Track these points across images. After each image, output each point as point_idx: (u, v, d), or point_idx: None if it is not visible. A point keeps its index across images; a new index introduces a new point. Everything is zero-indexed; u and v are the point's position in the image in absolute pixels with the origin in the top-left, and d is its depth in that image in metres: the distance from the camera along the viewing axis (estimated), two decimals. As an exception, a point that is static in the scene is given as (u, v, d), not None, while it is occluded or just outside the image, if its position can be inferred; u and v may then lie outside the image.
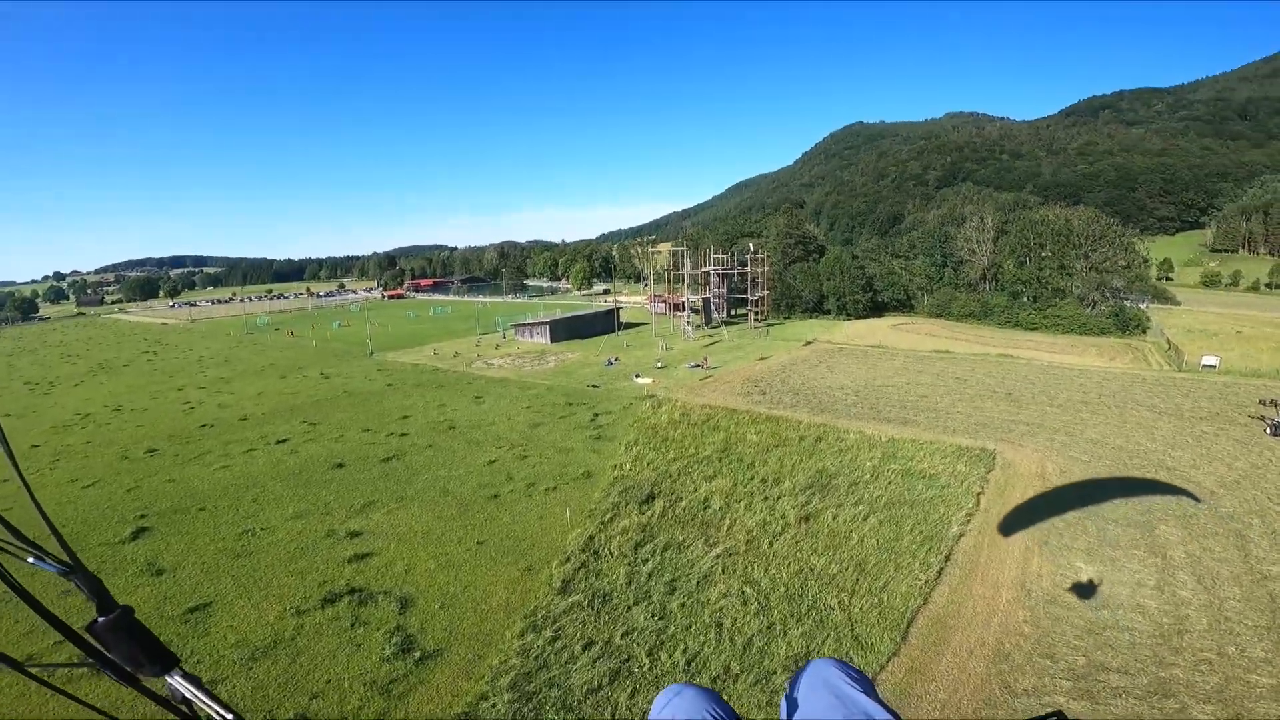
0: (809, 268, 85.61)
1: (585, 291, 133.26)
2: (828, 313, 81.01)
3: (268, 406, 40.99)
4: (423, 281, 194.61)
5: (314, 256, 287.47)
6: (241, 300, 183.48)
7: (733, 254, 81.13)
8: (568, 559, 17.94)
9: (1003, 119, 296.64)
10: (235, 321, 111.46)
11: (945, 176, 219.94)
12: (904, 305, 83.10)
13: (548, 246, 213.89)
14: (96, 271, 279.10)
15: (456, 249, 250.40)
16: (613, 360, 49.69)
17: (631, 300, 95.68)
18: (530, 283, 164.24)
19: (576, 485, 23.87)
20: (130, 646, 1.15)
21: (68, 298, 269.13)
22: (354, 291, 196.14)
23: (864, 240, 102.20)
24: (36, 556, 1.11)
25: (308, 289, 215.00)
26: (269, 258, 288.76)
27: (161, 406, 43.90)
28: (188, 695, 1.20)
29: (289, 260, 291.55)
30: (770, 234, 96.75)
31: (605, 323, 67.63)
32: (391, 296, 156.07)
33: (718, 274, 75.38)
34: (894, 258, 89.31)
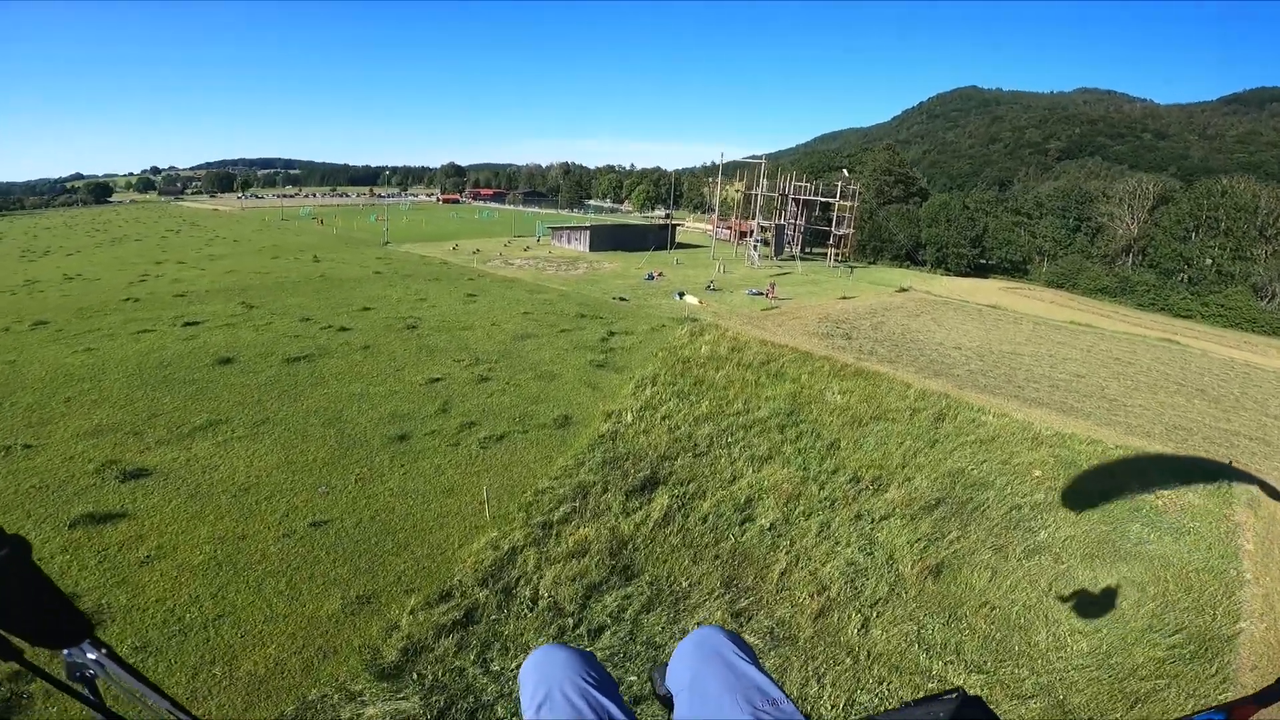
0: (907, 210, 71.86)
1: (646, 214, 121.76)
2: (922, 264, 67.91)
3: (224, 284, 33.44)
4: (483, 191, 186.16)
5: (390, 164, 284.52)
6: (306, 196, 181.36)
7: (817, 185, 68.07)
8: (440, 598, 8.73)
9: (1145, 100, 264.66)
10: (286, 210, 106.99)
11: (1070, 148, 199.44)
12: (1016, 269, 68.87)
13: (614, 170, 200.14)
14: (192, 168, 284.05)
15: (523, 166, 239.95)
16: (655, 275, 39.64)
17: (694, 226, 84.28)
18: (591, 202, 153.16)
19: (538, 438, 14.62)
20: (21, 602, 0.78)
21: (155, 188, 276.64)
22: (414, 195, 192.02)
23: (974, 193, 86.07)
24: None
25: (370, 190, 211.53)
26: (349, 163, 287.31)
27: (117, 278, 37.06)
28: (91, 672, 0.89)
29: (366, 166, 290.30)
30: (865, 170, 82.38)
31: (656, 237, 57.06)
32: (446, 200, 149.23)
33: (797, 201, 62.98)
34: (1014, 214, 74.31)
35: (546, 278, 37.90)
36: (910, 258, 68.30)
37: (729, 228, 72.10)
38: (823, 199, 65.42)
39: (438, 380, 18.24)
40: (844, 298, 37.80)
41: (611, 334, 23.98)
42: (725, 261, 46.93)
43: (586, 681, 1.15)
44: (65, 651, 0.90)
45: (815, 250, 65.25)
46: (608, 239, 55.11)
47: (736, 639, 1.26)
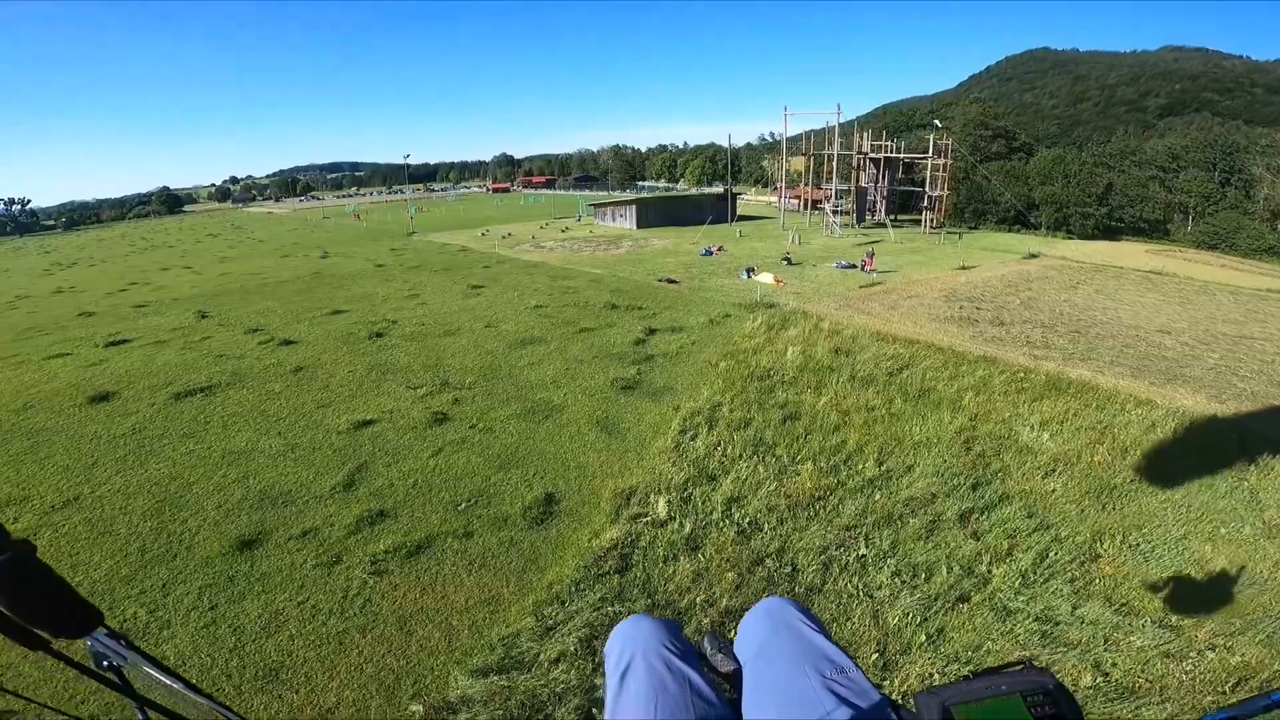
0: (1013, 167, 60.53)
1: (704, 190, 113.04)
2: (1036, 226, 56.86)
3: (204, 290, 28.34)
4: (534, 178, 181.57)
5: (448, 160, 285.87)
6: (364, 195, 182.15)
7: (897, 144, 57.65)
8: None
9: (1241, 57, 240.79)
10: (333, 210, 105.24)
11: (1172, 105, 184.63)
12: (1153, 229, 56.65)
13: (667, 149, 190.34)
14: (267, 176, 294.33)
15: (574, 153, 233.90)
16: (714, 250, 31.85)
17: (756, 198, 75.09)
18: (645, 183, 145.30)
19: (485, 550, 7.65)
20: (34, 598, 0.89)
21: (230, 197, 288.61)
22: (466, 187, 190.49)
23: (1091, 147, 72.07)
24: None
25: (425, 186, 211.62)
26: (410, 163, 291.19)
27: (102, 289, 32.87)
28: (115, 660, 0.98)
29: (424, 164, 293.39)
30: (955, 124, 70.92)
31: (714, 209, 48.90)
32: (495, 190, 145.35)
33: (877, 162, 53.25)
34: (1149, 166, 61.57)
35: (579, 260, 30.84)
36: (1021, 220, 57.23)
37: (797, 196, 63.13)
38: (909, 156, 55.40)
39: (367, 425, 11.47)
40: (964, 267, 28.89)
41: (651, 332, 16.59)
42: (799, 231, 38.40)
43: (670, 650, 1.13)
44: (88, 642, 0.94)
45: (902, 217, 55.42)
46: (658, 214, 47.54)
47: (805, 609, 1.25)
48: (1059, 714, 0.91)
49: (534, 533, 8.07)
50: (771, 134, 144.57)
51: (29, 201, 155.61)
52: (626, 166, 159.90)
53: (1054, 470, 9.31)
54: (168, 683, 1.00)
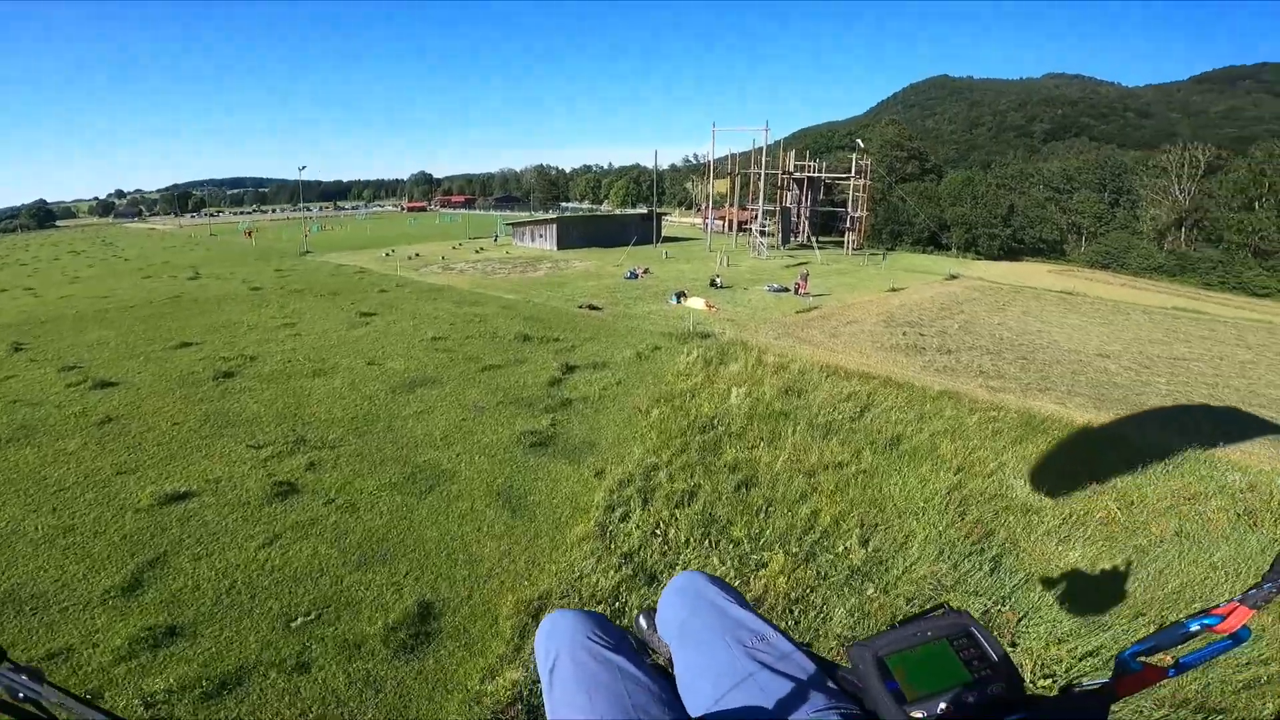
0: (926, 188, 62.83)
1: (628, 211, 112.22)
2: (945, 248, 58.94)
3: (35, 315, 23.42)
4: (453, 198, 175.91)
5: (363, 178, 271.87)
6: (266, 211, 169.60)
7: (817, 164, 58.29)
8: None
9: (1114, 83, 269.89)
10: (223, 227, 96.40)
11: (1055, 130, 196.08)
12: (1050, 250, 60.07)
13: (591, 170, 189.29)
14: (159, 190, 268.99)
15: (496, 173, 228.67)
16: (639, 272, 29.78)
17: (681, 220, 74.39)
18: (568, 204, 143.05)
19: (334, 712, 4.91)
20: None
21: (113, 210, 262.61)
22: (380, 205, 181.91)
23: (994, 168, 76.19)
24: None
25: (334, 204, 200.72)
26: (320, 179, 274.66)
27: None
28: (28, 693, 0.95)
29: (337, 181, 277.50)
30: (872, 146, 73.29)
31: (638, 230, 47.16)
32: (410, 209, 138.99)
33: (800, 182, 53.52)
34: (1045, 188, 65.62)
35: (492, 283, 27.96)
36: (934, 241, 59.10)
37: (722, 217, 62.82)
38: (832, 176, 56.13)
39: (180, 499, 8.38)
40: (894, 289, 28.23)
41: (570, 370, 14.08)
42: (726, 253, 37.15)
43: (596, 641, 1.12)
44: None
45: (824, 238, 55.88)
46: (579, 234, 45.25)
47: (718, 580, 1.24)
48: (982, 653, 0.95)
49: (401, 664, 5.46)
50: (696, 156, 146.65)
51: None
52: (550, 187, 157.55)
53: (1068, 537, 7.52)
54: (86, 712, 0.94)
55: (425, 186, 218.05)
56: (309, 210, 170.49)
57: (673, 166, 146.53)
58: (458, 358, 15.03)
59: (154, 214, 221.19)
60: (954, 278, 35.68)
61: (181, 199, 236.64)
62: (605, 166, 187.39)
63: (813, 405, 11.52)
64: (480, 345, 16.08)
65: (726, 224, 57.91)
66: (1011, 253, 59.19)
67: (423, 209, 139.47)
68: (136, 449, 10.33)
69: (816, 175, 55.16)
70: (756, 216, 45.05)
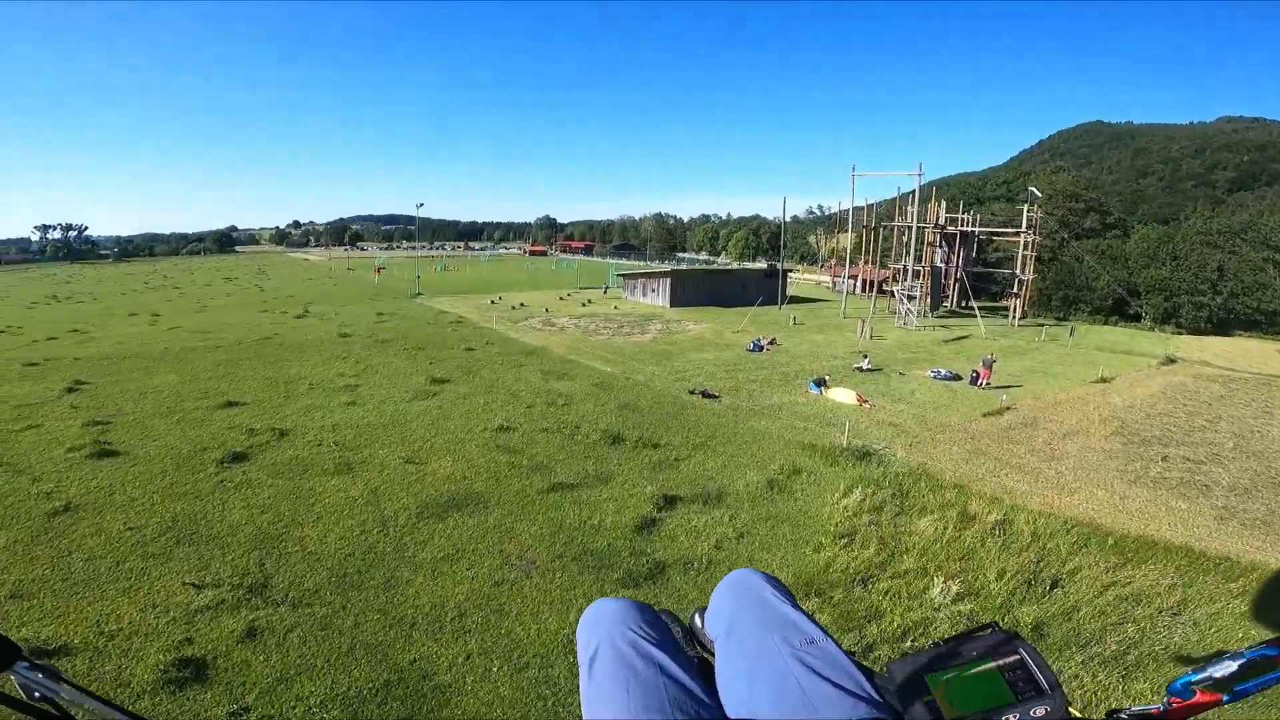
0: (1109, 246, 53.22)
1: (746, 265, 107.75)
2: (1134, 318, 49.02)
3: (124, 350, 22.95)
4: (574, 244, 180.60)
5: (496, 220, 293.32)
6: (409, 248, 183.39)
7: (969, 216, 50.67)
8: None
9: None
10: (361, 262, 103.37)
11: (1241, 179, 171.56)
12: (1268, 323, 47.79)
13: (710, 220, 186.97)
14: (328, 223, 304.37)
15: (616, 220, 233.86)
16: (764, 344, 24.95)
17: (805, 277, 68.48)
18: (685, 254, 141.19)
19: None
20: None
21: (286, 239, 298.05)
22: (507, 248, 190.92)
23: (1194, 221, 63.46)
24: None
25: (466, 244, 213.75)
26: (458, 219, 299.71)
27: (29, 335, 28.01)
28: (45, 692, 0.96)
29: (472, 222, 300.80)
30: (1042, 193, 64.41)
31: (763, 288, 42.46)
32: (532, 252, 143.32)
33: (950, 238, 46.63)
34: (1261, 245, 53.55)
35: (591, 346, 24.38)
36: (1118, 310, 49.39)
37: (854, 276, 56.86)
38: (992, 230, 48.87)
39: (45, 657, 4.65)
40: (1103, 380, 21.39)
41: (669, 504, 9.64)
42: (866, 321, 31.39)
43: (637, 633, 1.10)
44: (13, 677, 0.93)
45: (976, 304, 48.29)
46: (696, 290, 41.33)
47: (773, 579, 1.23)
48: (1029, 675, 0.90)
49: None
50: (820, 207, 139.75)
51: (85, 229, 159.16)
52: (667, 236, 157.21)
53: None
54: (103, 709, 0.94)
55: (548, 231, 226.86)
56: (441, 249, 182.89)
57: (795, 218, 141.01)
58: (521, 464, 11.08)
59: (319, 244, 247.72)
60: (1172, 361, 27.74)
61: (340, 232, 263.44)
62: (724, 217, 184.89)
63: (1079, 613, 6.28)
64: (555, 446, 12.06)
65: (862, 284, 51.90)
66: (1220, 325, 48.09)
67: (543, 253, 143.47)
68: (59, 562, 7.48)
69: (970, 230, 48.04)
70: (902, 277, 38.79)
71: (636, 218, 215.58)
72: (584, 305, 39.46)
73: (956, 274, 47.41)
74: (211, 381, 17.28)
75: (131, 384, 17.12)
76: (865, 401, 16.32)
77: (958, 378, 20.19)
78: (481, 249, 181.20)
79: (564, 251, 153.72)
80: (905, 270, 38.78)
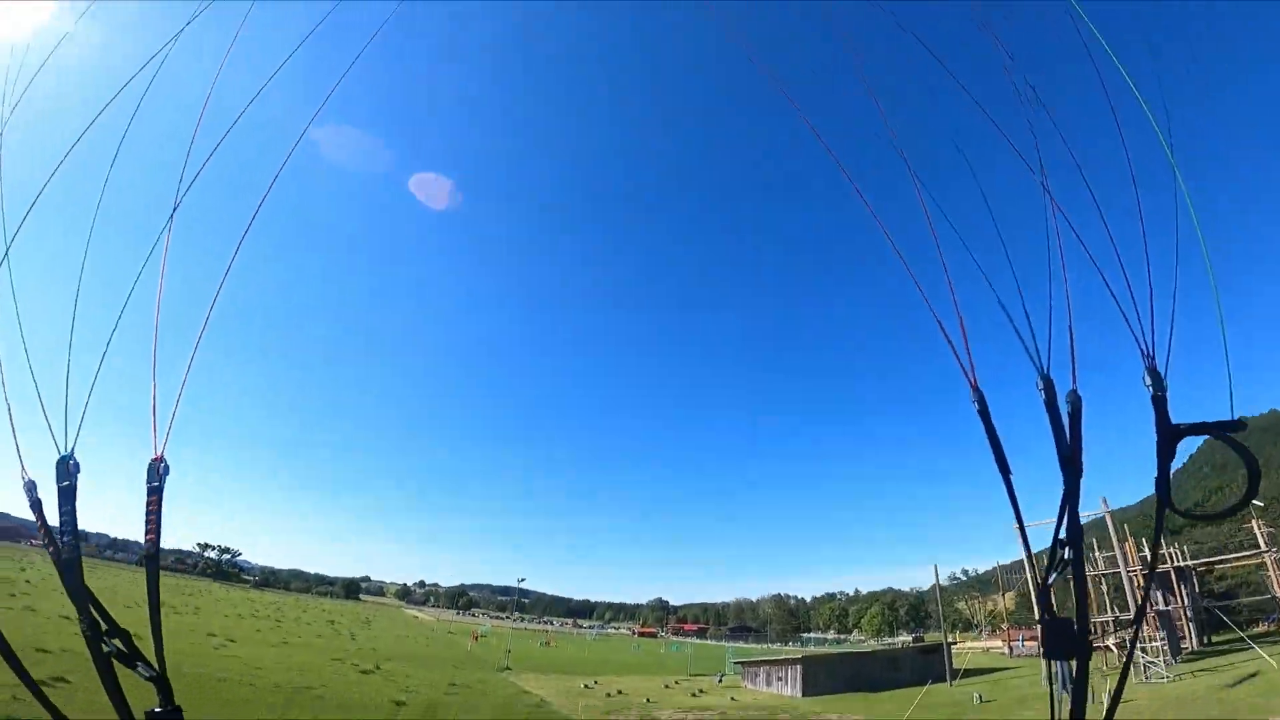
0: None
1: (885, 641, 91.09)
2: None
3: (171, 664, 19.92)
4: (686, 625, 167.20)
5: (607, 599, 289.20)
6: (518, 620, 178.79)
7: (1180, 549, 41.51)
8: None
9: None
10: (464, 626, 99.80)
11: None
12: None
13: (836, 598, 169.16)
14: (449, 586, 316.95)
15: (731, 602, 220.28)
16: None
17: (969, 646, 55.35)
18: (809, 635, 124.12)
19: None
20: None
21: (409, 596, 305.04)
22: (616, 628, 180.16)
23: None
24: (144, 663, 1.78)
25: (574, 621, 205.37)
26: (570, 596, 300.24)
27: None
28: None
29: (585, 600, 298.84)
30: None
31: (918, 665, 33.25)
32: (642, 634, 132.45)
33: (1165, 574, 37.23)
34: None
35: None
36: None
37: (1034, 637, 46.21)
38: (1207, 561, 39.38)
39: None
40: None
41: None
42: (1099, 684, 22.20)
43: None
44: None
45: (1218, 639, 36.46)
46: (831, 673, 33.04)
47: None
48: None
49: None
50: (965, 571, 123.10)
51: (239, 554, 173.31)
52: (789, 617, 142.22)
53: None
54: None
55: (659, 612, 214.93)
56: (550, 624, 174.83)
57: (934, 585, 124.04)
58: None
59: (436, 605, 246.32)
60: None
61: (456, 596, 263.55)
62: (850, 593, 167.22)
63: None
64: None
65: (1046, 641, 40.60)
66: None
67: (652, 635, 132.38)
68: None
69: (1185, 565, 38.54)
70: (1146, 615, 29.14)
71: (754, 599, 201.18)
72: (694, 696, 32.19)
73: (1187, 613, 36.68)
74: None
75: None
76: None
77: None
78: (590, 627, 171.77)
79: (675, 633, 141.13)
80: (1147, 604, 29.69)
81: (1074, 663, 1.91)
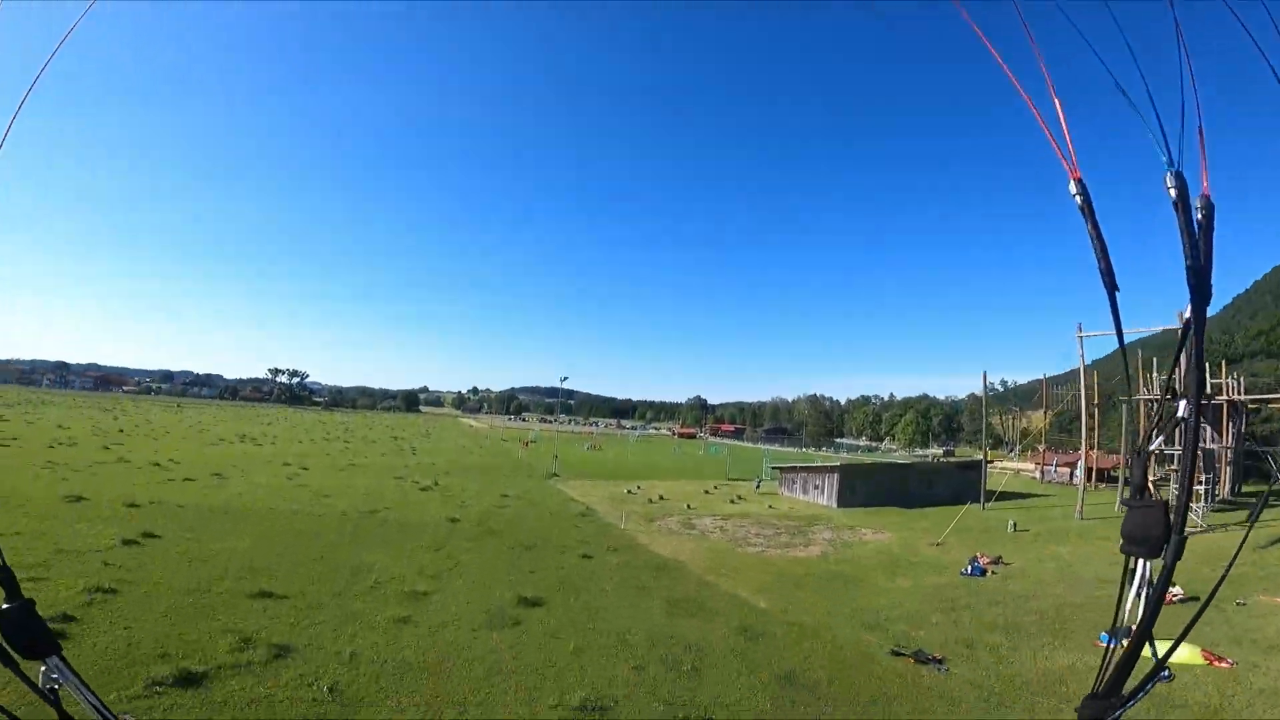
0: None
1: (915, 453, 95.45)
2: None
3: (238, 502, 22.47)
4: (723, 426, 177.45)
5: (648, 399, 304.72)
6: (564, 422, 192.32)
7: (1236, 381, 39.33)
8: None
9: None
10: (516, 432, 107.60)
11: None
12: None
13: (870, 402, 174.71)
14: (502, 390, 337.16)
15: (768, 402, 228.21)
16: (983, 564, 17.58)
17: (1003, 466, 56.74)
18: (843, 440, 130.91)
19: None
20: (20, 633, 1.22)
21: (464, 404, 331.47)
22: (656, 428, 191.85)
23: None
24: None
25: (618, 422, 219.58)
26: (613, 396, 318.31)
27: (199, 466, 28.68)
28: (56, 684, 1.21)
29: (627, 400, 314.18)
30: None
31: (955, 482, 34.25)
32: (681, 434, 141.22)
33: (1219, 408, 35.86)
34: None
35: (741, 561, 18.74)
36: None
37: (1068, 464, 46.77)
38: (1261, 398, 37.89)
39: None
40: None
41: None
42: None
43: None
44: (41, 668, 1.15)
45: (1237, 491, 36.35)
46: (867, 486, 34.22)
47: None
48: None
49: None
50: (1004, 381, 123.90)
51: (307, 376, 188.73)
52: (823, 419, 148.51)
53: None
54: (95, 708, 1.19)
55: (698, 412, 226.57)
56: (595, 425, 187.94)
57: (971, 395, 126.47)
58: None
59: (488, 411, 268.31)
60: None
61: (507, 401, 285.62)
62: (885, 398, 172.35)
63: None
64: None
65: (1086, 473, 41.08)
66: None
67: (691, 436, 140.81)
68: None
69: (1237, 399, 37.05)
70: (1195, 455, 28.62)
71: (790, 399, 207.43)
72: (733, 502, 33.92)
73: (1228, 456, 36.08)
74: (273, 557, 14.66)
75: (197, 545, 15.28)
76: (1219, 660, 8.99)
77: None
78: (633, 428, 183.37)
79: (713, 434, 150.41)
80: (1195, 455, 28.97)
81: (1158, 561, 1.33)
